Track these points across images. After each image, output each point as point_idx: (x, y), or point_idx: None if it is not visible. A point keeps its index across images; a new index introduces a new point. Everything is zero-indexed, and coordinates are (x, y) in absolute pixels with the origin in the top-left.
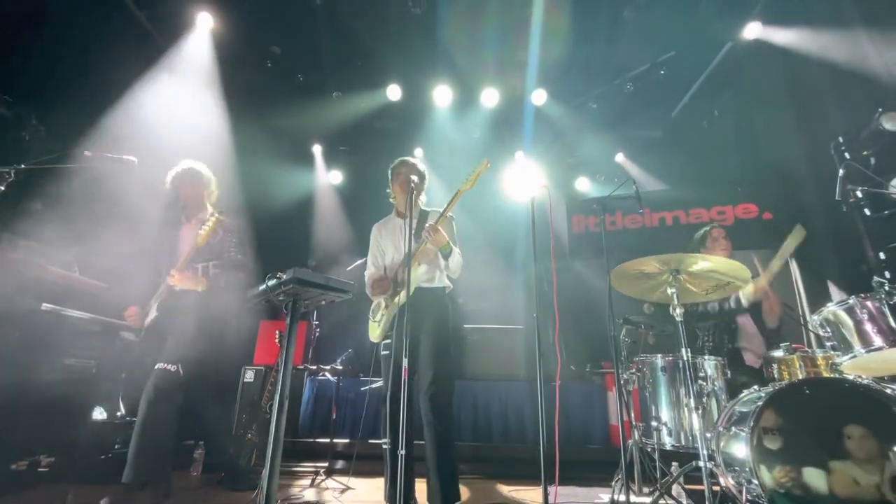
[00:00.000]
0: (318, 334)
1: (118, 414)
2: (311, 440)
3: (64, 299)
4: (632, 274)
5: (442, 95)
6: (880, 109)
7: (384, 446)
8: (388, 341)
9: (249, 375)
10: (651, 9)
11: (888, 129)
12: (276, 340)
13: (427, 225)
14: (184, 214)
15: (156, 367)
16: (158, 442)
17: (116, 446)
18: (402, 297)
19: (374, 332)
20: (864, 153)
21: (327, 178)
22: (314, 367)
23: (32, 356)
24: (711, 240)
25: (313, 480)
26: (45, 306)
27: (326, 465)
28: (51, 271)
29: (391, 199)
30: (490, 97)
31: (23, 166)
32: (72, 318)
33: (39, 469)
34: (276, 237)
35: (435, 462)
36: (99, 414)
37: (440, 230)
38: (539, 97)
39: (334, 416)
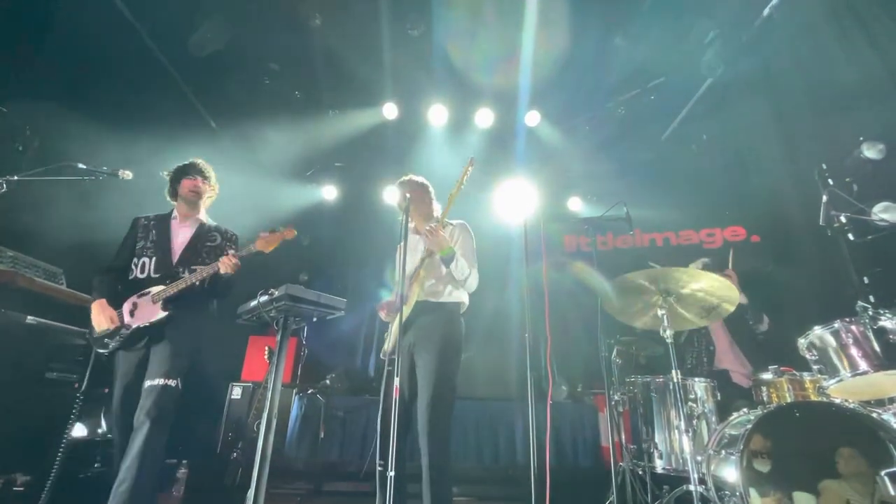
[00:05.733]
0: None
1: (99, 431)
2: (299, 460)
3: (50, 311)
4: (620, 292)
5: (437, 115)
6: (861, 138)
7: (378, 468)
8: (394, 357)
9: (236, 392)
10: (642, 37)
11: (869, 157)
12: (265, 356)
13: (427, 227)
14: (178, 210)
15: (155, 382)
16: (156, 468)
17: (97, 465)
18: (404, 313)
19: (386, 345)
20: (847, 180)
21: (321, 193)
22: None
23: (13, 369)
24: None
25: (300, 502)
26: (30, 319)
27: (313, 486)
28: (38, 283)
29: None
30: (484, 117)
31: (15, 178)
32: (56, 330)
33: (15, 488)
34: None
35: (429, 492)
36: (79, 431)
37: (439, 233)
38: (532, 118)
39: (322, 436)
